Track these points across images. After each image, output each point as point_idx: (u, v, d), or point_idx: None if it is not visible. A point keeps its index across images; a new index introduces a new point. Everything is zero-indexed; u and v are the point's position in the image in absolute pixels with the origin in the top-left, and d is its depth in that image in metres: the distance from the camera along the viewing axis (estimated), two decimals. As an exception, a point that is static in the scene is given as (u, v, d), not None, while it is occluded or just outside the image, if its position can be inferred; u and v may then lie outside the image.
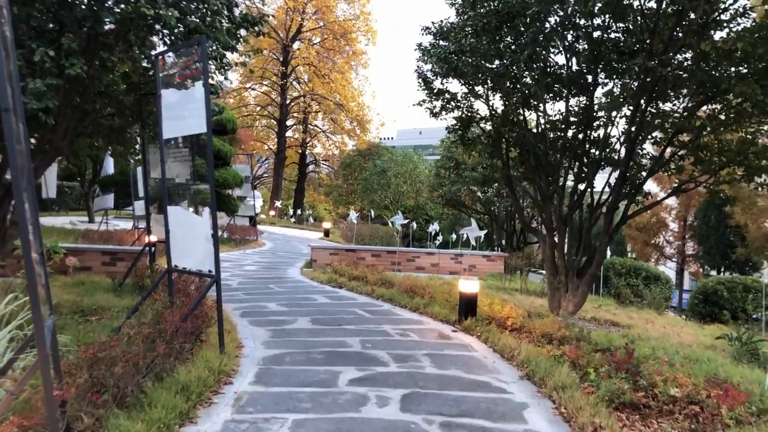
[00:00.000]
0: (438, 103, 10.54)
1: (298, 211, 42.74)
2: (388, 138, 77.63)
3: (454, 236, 24.42)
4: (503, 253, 17.31)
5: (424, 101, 10.65)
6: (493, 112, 10.46)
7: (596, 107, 9.14)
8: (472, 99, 10.51)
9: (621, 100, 7.87)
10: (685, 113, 8.94)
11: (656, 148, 10.50)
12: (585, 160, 9.51)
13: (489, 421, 4.84)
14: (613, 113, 9.61)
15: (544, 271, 20.32)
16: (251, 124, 45.39)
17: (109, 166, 21.43)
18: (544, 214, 9.65)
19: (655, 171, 9.49)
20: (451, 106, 10.40)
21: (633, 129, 8.61)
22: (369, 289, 11.28)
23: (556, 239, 9.70)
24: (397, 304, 10.24)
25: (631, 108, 8.86)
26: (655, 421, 4.97)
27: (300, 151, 49.24)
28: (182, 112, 6.50)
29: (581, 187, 9.76)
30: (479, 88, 10.28)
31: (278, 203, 39.54)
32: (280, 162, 44.34)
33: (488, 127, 10.74)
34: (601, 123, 9.49)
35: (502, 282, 14.34)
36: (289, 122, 47.61)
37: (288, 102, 45.70)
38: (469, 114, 10.61)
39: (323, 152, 49.81)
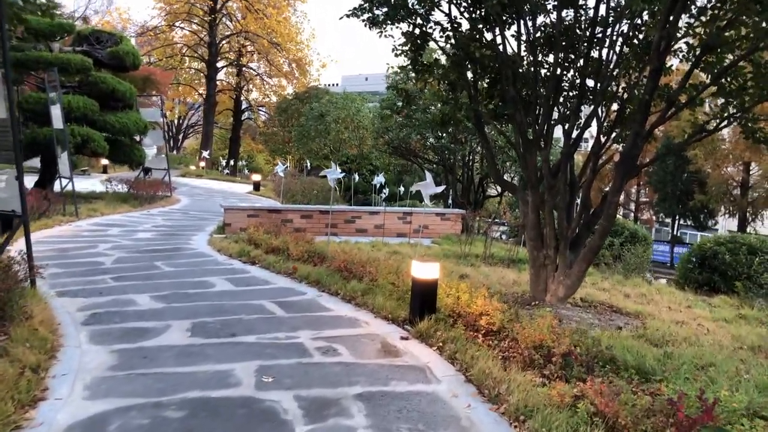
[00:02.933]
0: (381, 12, 7.57)
1: (231, 162, 39.04)
2: (334, 84, 73.86)
3: (402, 189, 21.73)
4: (460, 210, 14.73)
5: (360, 9, 7.65)
6: (456, 25, 7.61)
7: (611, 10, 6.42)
8: (428, 6, 7.60)
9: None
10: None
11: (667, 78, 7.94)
12: (586, 90, 6.84)
13: None
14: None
15: (506, 222, 17.96)
16: (177, 66, 40.81)
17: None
18: (527, 164, 6.96)
19: (674, 103, 6.88)
20: (400, 15, 7.44)
21: (662, 41, 5.92)
22: (290, 267, 8.47)
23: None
24: (326, 289, 7.49)
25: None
26: None
27: (234, 96, 45.04)
28: None
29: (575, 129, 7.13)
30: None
31: (206, 153, 35.66)
32: (209, 108, 40.15)
33: (448, 47, 7.91)
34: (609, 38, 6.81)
35: (460, 246, 11.79)
36: (220, 64, 43.19)
37: (218, 41, 41.21)
38: (424, 28, 7.71)
39: (260, 97, 45.70)
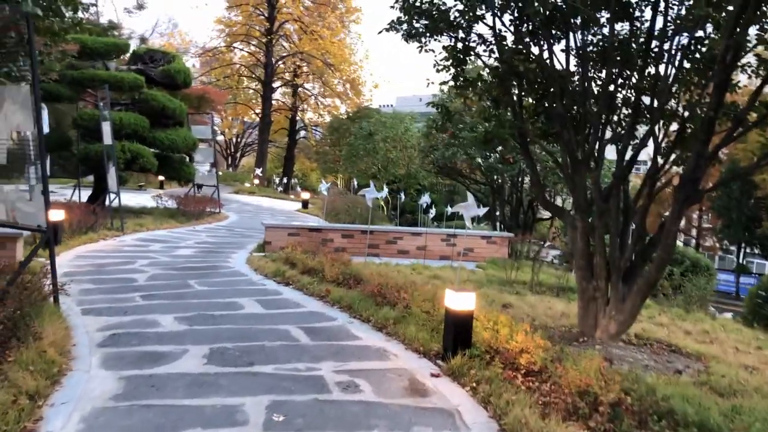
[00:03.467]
0: (420, 24, 7.22)
1: (284, 180, 39.47)
2: (389, 105, 74.17)
3: (450, 209, 21.19)
4: (508, 233, 14.10)
5: (399, 22, 7.32)
6: (500, 39, 7.18)
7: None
8: (471, 20, 7.22)
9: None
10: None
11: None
12: (641, 108, 6.27)
13: None
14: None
15: (558, 247, 17.17)
16: (234, 85, 41.75)
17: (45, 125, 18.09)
18: (575, 187, 6.42)
19: (742, 122, 6.20)
20: (440, 27, 7.07)
21: (728, 52, 5.32)
22: (323, 290, 8.13)
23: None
24: (358, 315, 7.09)
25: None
26: None
27: (289, 115, 45.70)
28: None
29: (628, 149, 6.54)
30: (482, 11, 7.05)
31: (258, 171, 36.12)
32: (265, 127, 40.86)
33: (491, 60, 7.48)
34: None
35: (506, 272, 11.19)
36: (275, 84, 43.98)
37: (274, 62, 41.98)
38: (466, 42, 7.33)
39: (315, 117, 46.19)
